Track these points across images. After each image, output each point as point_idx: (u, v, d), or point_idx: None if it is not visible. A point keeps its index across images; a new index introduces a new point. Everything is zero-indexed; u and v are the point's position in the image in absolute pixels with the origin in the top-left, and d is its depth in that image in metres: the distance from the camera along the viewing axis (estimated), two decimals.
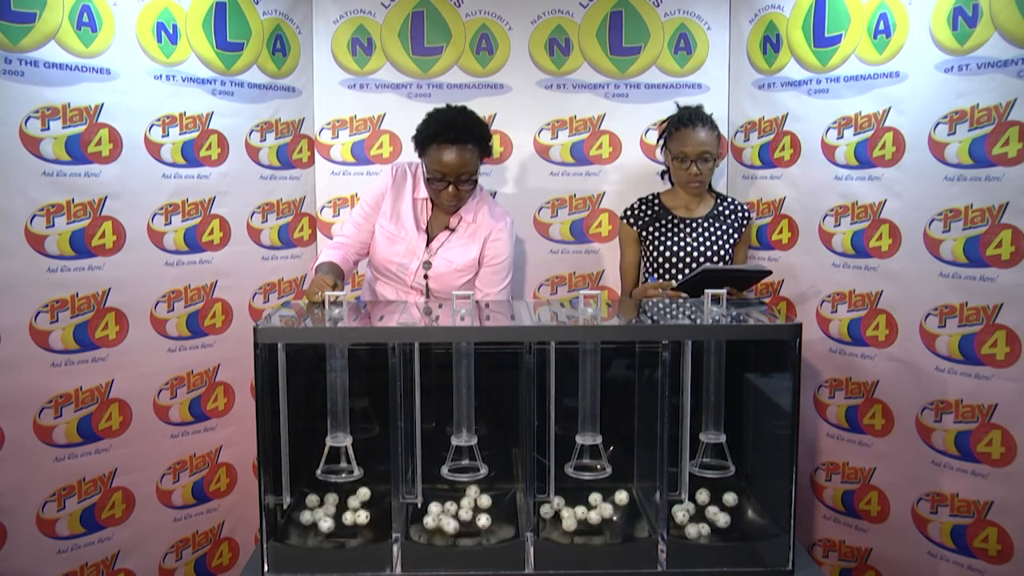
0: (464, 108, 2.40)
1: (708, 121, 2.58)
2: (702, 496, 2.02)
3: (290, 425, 1.91)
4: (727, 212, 2.69)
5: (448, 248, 2.48)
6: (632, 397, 2.07)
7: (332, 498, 2.02)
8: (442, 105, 2.42)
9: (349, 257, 2.48)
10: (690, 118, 2.58)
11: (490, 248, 2.49)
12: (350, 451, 1.87)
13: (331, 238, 2.85)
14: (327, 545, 1.87)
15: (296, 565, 1.78)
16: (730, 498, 2.01)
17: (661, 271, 2.63)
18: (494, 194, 2.77)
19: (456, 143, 2.29)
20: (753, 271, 2.44)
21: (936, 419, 2.50)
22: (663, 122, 2.71)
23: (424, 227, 2.49)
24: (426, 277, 2.48)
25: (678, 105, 2.70)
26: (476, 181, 2.40)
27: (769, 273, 2.43)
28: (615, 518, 1.99)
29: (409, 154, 2.92)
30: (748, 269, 2.51)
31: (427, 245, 2.48)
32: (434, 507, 1.97)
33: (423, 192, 2.47)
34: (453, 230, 2.48)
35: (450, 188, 2.34)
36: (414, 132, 2.39)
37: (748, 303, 2.15)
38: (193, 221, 2.64)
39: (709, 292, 1.93)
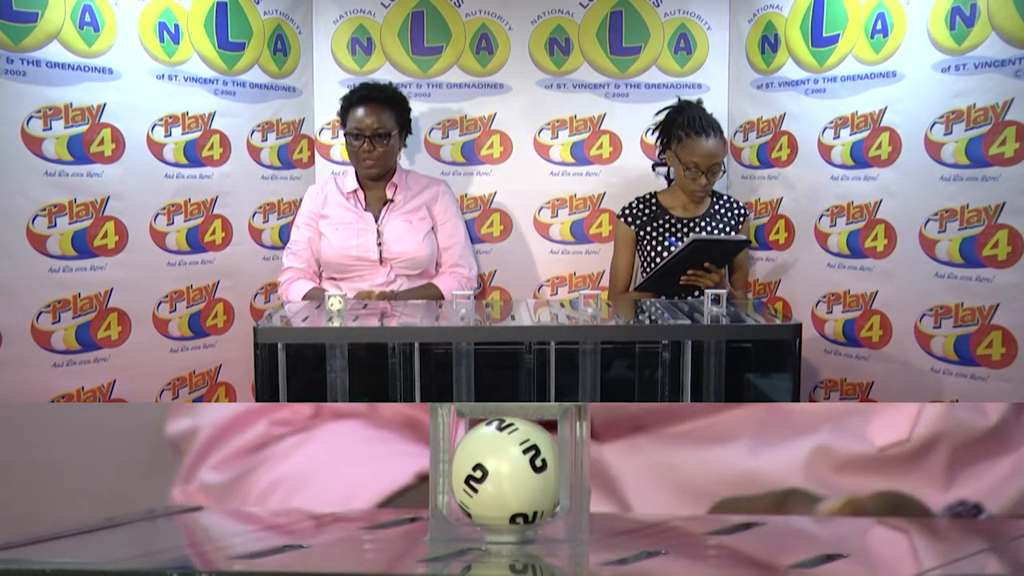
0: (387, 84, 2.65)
1: (717, 128, 2.56)
2: None
3: None
4: (723, 210, 2.70)
5: (394, 216, 2.59)
6: (632, 397, 2.08)
7: None
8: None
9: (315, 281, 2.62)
10: (701, 126, 2.52)
11: (437, 207, 2.66)
12: None
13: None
14: None
15: None
16: None
17: None
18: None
19: (372, 101, 2.51)
20: (737, 241, 2.55)
21: None
22: (660, 114, 2.67)
23: (365, 208, 2.61)
24: (379, 245, 2.56)
25: (679, 99, 2.69)
26: (394, 148, 2.55)
27: (749, 242, 2.57)
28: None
29: (408, 152, 2.94)
30: (733, 240, 2.58)
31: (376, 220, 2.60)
32: None
33: (349, 185, 2.61)
34: (392, 200, 2.60)
35: (366, 144, 2.49)
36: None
37: (745, 304, 2.17)
38: (195, 221, 2.65)
39: (710, 293, 1.94)
